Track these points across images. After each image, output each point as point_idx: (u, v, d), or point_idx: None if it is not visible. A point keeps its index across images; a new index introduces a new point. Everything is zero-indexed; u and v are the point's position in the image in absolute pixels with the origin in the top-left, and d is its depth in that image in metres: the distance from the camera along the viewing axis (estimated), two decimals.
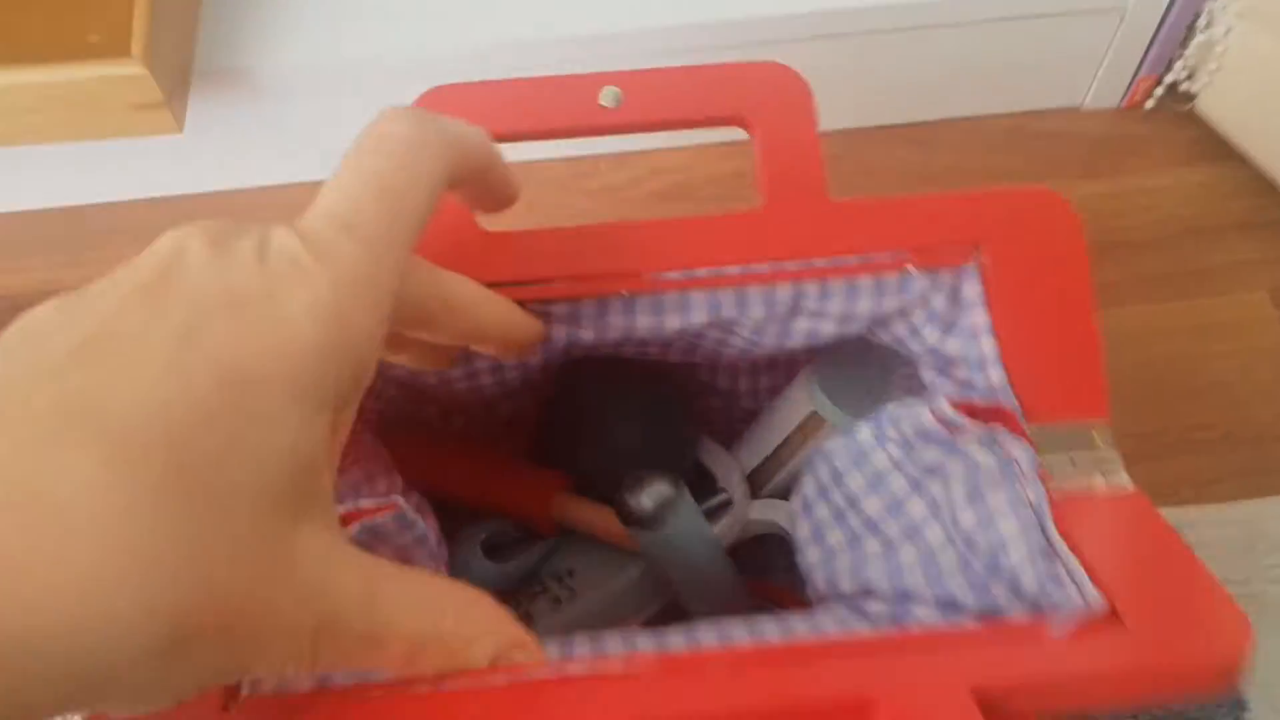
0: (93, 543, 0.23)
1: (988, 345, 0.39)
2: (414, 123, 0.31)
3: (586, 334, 0.41)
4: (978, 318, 0.39)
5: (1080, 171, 0.69)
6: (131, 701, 0.25)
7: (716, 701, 0.31)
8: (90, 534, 0.23)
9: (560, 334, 0.40)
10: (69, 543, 0.23)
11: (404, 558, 0.40)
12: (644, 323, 0.40)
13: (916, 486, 0.40)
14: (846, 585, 0.43)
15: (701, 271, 0.39)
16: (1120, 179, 0.69)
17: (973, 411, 0.38)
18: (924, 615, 0.39)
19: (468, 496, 0.52)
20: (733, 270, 0.39)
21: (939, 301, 0.40)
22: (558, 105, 0.39)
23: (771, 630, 0.37)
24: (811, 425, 0.50)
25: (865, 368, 0.48)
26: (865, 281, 0.40)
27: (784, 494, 0.54)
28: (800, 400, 0.49)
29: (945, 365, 0.42)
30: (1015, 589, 0.36)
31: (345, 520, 0.36)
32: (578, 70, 0.40)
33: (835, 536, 0.44)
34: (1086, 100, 0.72)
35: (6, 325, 0.25)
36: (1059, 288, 0.39)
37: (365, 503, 0.38)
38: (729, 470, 0.52)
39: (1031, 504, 0.36)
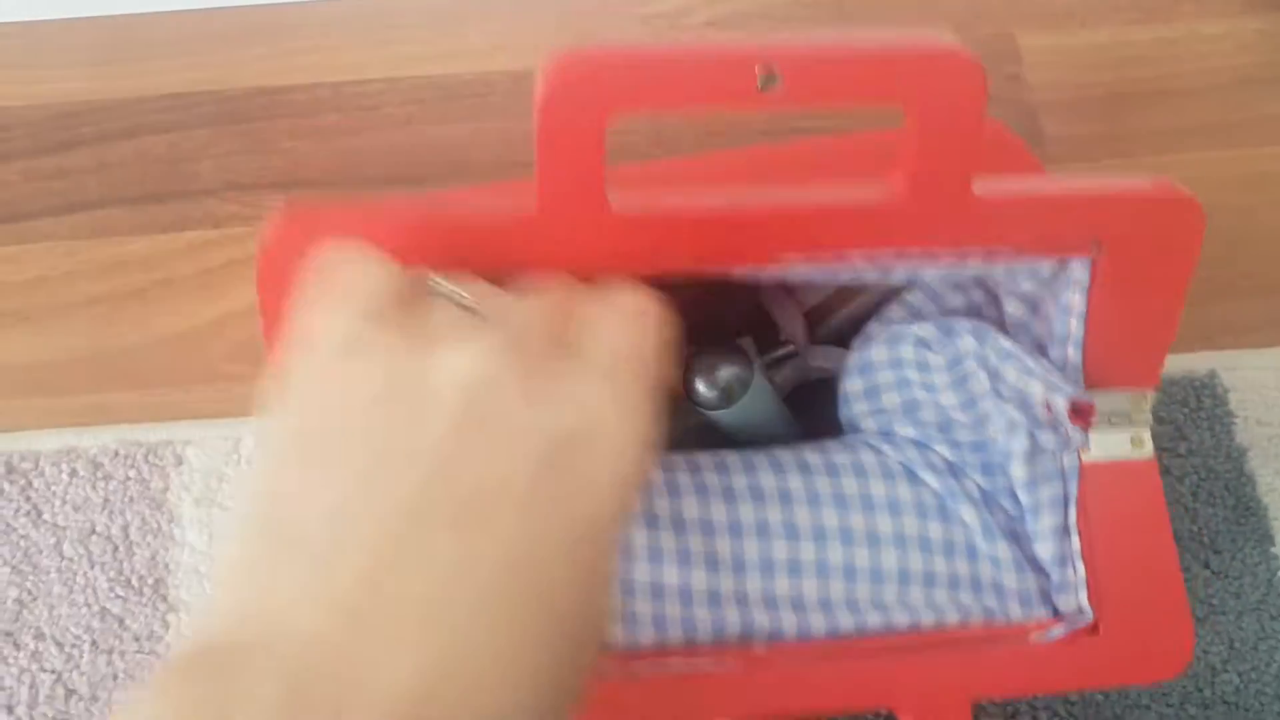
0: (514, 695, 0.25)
1: (1075, 326, 0.41)
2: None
3: None
4: (1075, 300, 0.41)
5: (1135, 15, 0.68)
6: None
7: (763, 700, 0.38)
8: (510, 689, 0.25)
9: None
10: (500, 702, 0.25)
11: None
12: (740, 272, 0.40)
13: (991, 397, 0.42)
14: (906, 432, 0.45)
15: (824, 259, 0.38)
16: (1176, 24, 0.68)
17: (1075, 409, 0.39)
18: (972, 515, 0.42)
19: None
20: (857, 261, 0.39)
21: (1046, 269, 0.41)
22: (709, 83, 0.34)
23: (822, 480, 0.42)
24: None
25: None
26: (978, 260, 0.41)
27: (841, 335, 0.55)
28: None
29: (1027, 301, 0.43)
30: (1035, 539, 0.42)
31: None
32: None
33: (890, 400, 0.45)
34: None
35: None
36: (1162, 281, 0.41)
37: None
38: (792, 318, 0.52)
39: (1064, 475, 0.41)
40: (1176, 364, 0.59)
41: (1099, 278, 0.40)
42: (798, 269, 0.39)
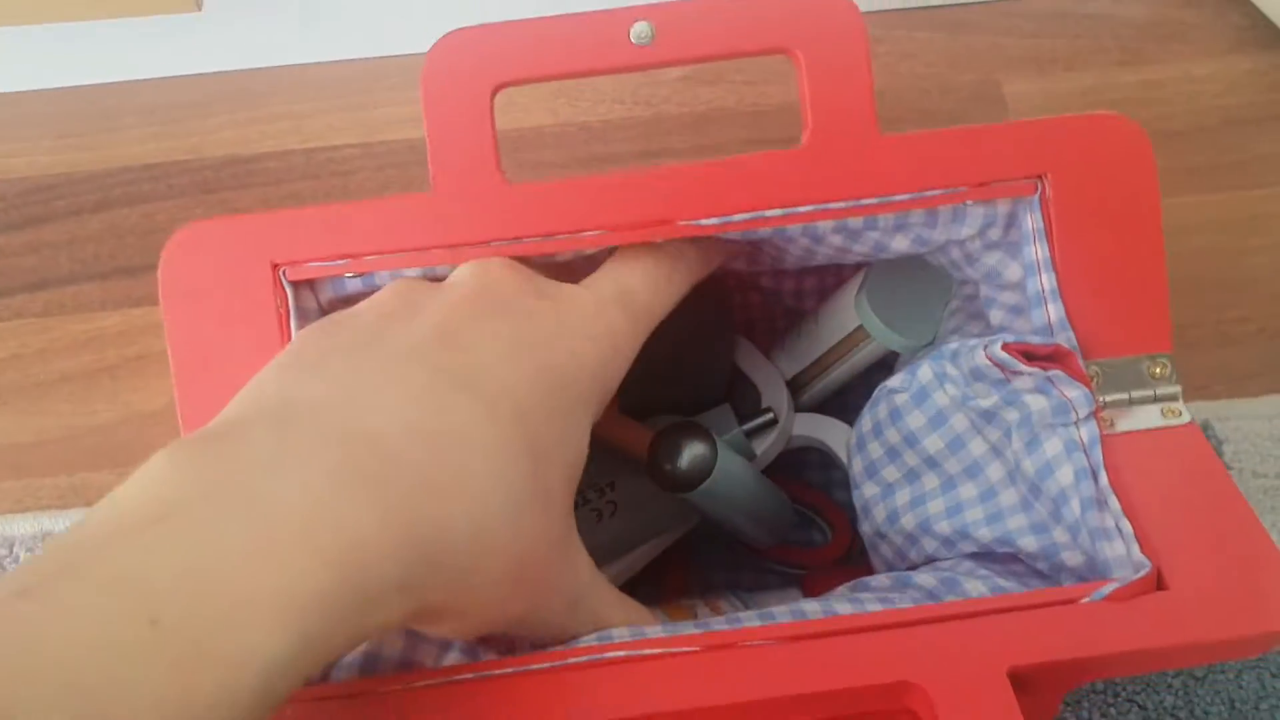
0: (482, 471, 0.29)
1: (1046, 280, 0.38)
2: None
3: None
4: (1037, 252, 0.39)
5: (1121, 57, 0.67)
6: (480, 620, 0.31)
7: (754, 684, 0.32)
8: (481, 464, 0.29)
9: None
10: (467, 470, 0.29)
11: None
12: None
13: (978, 428, 0.40)
14: (909, 522, 0.43)
15: (738, 216, 0.37)
16: (1163, 66, 0.67)
17: (1030, 354, 0.37)
18: (979, 588, 0.38)
19: None
20: (773, 213, 0.37)
21: (995, 232, 0.39)
22: (585, 45, 0.37)
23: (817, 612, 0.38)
24: (856, 338, 0.49)
25: (918, 284, 0.47)
26: (916, 216, 0.39)
27: (823, 403, 0.54)
28: (847, 312, 0.49)
29: (1004, 288, 0.41)
30: (1074, 536, 0.37)
31: None
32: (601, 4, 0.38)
33: (891, 473, 0.43)
34: None
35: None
36: (1126, 218, 0.38)
37: None
38: (774, 384, 0.51)
39: (1084, 448, 0.36)
40: None
41: (1054, 221, 0.38)
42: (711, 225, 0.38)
